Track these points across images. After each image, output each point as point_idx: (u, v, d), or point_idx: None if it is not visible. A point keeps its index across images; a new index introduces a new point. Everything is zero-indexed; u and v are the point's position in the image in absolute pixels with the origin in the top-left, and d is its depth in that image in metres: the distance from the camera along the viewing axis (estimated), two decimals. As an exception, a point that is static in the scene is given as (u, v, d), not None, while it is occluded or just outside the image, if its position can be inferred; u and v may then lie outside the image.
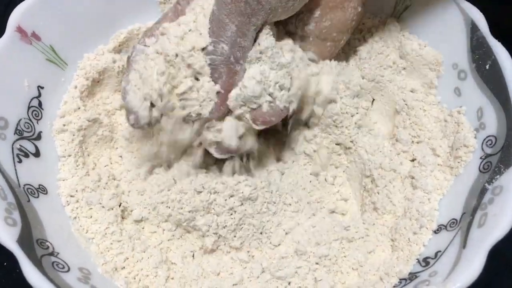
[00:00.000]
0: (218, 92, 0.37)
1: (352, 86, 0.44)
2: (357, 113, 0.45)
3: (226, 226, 0.41)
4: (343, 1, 0.41)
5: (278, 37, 0.40)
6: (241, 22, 0.36)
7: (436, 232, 0.40)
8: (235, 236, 0.41)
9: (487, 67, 0.41)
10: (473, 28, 0.42)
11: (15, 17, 0.42)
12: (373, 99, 0.47)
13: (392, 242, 0.42)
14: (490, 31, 0.41)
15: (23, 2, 0.42)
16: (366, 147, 0.44)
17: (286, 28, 0.42)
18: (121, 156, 0.46)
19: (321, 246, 0.41)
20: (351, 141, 0.45)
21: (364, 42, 0.48)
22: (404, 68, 0.47)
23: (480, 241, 0.35)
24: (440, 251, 0.38)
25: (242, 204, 0.41)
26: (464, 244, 0.36)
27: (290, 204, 0.43)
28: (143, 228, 0.43)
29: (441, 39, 0.45)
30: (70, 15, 0.45)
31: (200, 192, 0.41)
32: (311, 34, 0.42)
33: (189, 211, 0.41)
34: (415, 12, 0.46)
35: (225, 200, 0.40)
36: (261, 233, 0.42)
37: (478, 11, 0.42)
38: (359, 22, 0.43)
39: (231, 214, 0.41)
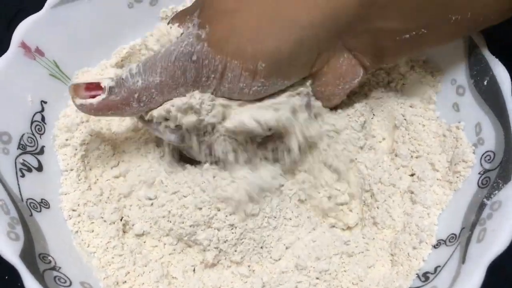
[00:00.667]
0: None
1: (366, 112, 0.45)
2: (361, 138, 0.45)
3: (227, 240, 0.41)
4: (329, 95, 0.41)
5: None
6: (167, 82, 0.36)
7: (435, 247, 0.40)
8: (235, 251, 0.41)
9: (485, 83, 0.41)
10: (471, 45, 0.43)
11: (19, 33, 0.42)
12: (373, 115, 0.47)
13: (392, 256, 0.42)
14: (491, 47, 0.42)
15: (27, 18, 0.43)
16: (365, 162, 0.45)
17: None
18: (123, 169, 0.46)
19: (321, 261, 0.41)
20: (352, 160, 0.45)
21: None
22: (403, 84, 0.47)
23: (479, 256, 0.35)
24: (439, 266, 0.39)
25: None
26: (463, 259, 0.37)
27: (291, 219, 0.43)
28: (144, 242, 0.43)
29: (440, 55, 0.45)
30: (73, 30, 0.45)
31: (201, 208, 0.41)
32: None
33: (190, 226, 0.41)
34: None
35: (226, 216, 0.41)
36: (261, 247, 0.42)
37: (476, 28, 0.43)
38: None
39: (232, 229, 0.41)
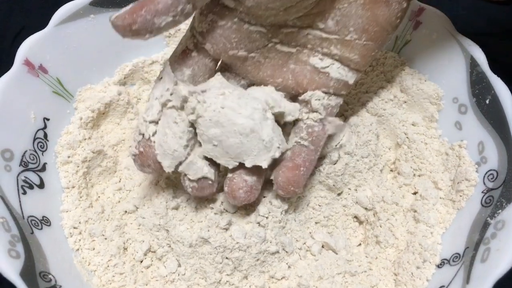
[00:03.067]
0: None
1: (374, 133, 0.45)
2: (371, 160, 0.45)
3: (228, 275, 0.41)
4: (381, 19, 0.37)
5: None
6: None
7: (439, 266, 0.40)
8: (239, 272, 0.41)
9: (487, 101, 0.41)
10: (473, 63, 0.43)
11: (23, 50, 0.42)
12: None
13: (395, 276, 0.41)
14: (490, 66, 0.42)
15: (31, 36, 0.43)
16: (368, 181, 0.44)
17: (316, 26, 0.37)
18: (124, 186, 0.46)
19: (324, 281, 0.41)
20: (353, 177, 0.45)
21: (365, 76, 0.49)
22: (405, 102, 0.47)
23: (484, 276, 0.35)
24: (443, 286, 0.38)
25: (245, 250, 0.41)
26: (467, 279, 0.36)
27: (297, 240, 0.43)
28: (145, 260, 0.43)
29: (441, 74, 0.46)
30: (76, 48, 0.46)
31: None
32: (350, 33, 0.37)
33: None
34: (415, 47, 0.47)
35: (233, 255, 0.41)
36: (263, 266, 0.42)
37: (477, 46, 0.43)
38: (402, 20, 0.38)
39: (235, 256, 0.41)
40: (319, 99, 0.39)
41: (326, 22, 0.37)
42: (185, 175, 0.38)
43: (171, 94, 0.36)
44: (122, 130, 0.48)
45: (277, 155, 0.37)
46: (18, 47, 0.42)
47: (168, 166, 0.37)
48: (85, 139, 0.45)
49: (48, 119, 0.44)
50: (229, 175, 0.39)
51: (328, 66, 0.38)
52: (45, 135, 0.43)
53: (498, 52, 0.43)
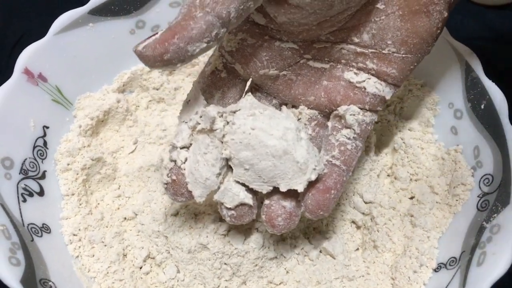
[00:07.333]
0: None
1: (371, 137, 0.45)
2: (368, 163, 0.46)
3: (227, 280, 0.41)
4: (427, 4, 0.34)
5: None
6: None
7: (436, 270, 0.40)
8: (237, 277, 0.41)
9: (482, 106, 0.42)
10: (468, 69, 0.43)
11: (23, 59, 0.43)
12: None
13: (393, 280, 0.42)
14: (485, 71, 0.42)
15: (30, 45, 0.43)
16: (365, 185, 0.45)
17: (351, 40, 0.36)
18: (123, 193, 0.46)
19: (321, 285, 0.41)
20: (350, 182, 0.45)
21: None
22: (402, 107, 0.48)
23: (480, 280, 0.35)
24: (440, 290, 0.39)
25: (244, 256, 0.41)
26: (464, 283, 0.37)
27: (295, 246, 0.43)
28: (145, 266, 0.43)
29: (437, 79, 0.46)
30: (75, 56, 0.46)
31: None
32: (388, 46, 0.35)
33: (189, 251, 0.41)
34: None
35: (231, 261, 0.41)
36: (262, 272, 0.42)
37: (472, 52, 0.43)
38: (442, 30, 0.36)
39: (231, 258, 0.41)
40: (354, 114, 0.36)
41: (361, 36, 0.35)
42: (222, 203, 0.36)
43: (200, 117, 0.34)
44: (121, 137, 0.48)
45: (313, 177, 0.34)
46: (17, 55, 0.43)
47: (199, 195, 0.35)
48: (84, 147, 0.45)
49: (47, 127, 0.44)
50: (266, 201, 0.36)
51: (364, 81, 0.36)
52: (45, 143, 0.44)
53: (493, 57, 0.43)
